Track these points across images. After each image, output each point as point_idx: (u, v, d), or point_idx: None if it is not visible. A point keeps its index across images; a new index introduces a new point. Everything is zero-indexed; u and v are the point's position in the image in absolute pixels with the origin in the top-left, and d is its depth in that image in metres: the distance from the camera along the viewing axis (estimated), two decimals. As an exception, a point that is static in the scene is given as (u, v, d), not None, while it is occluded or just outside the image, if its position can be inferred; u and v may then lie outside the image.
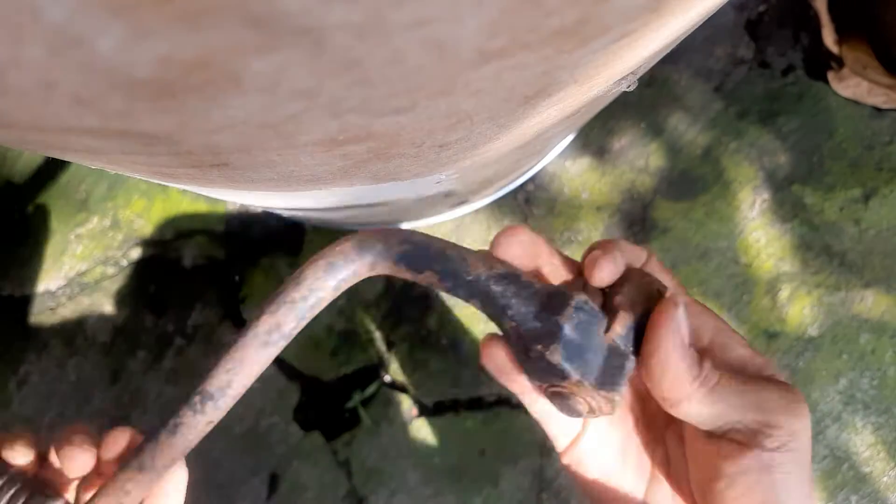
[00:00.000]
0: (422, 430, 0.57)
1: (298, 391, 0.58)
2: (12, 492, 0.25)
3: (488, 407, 0.57)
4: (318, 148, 0.19)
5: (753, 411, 0.22)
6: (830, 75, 0.60)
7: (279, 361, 0.57)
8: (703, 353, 0.24)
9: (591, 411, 0.23)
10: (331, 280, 0.23)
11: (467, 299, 0.23)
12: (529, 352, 0.23)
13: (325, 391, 0.58)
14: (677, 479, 0.26)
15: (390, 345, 0.58)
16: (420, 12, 0.11)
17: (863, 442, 0.56)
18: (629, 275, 0.25)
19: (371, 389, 0.57)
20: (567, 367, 0.22)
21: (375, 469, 0.57)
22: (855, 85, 0.59)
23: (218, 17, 0.10)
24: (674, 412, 0.23)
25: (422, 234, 0.24)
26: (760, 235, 0.59)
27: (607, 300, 0.24)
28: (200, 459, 0.57)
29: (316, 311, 0.24)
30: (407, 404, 0.57)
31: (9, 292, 0.59)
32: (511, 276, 0.23)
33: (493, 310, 0.23)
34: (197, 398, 0.25)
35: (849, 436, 0.56)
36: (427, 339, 0.58)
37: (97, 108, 0.13)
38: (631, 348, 0.23)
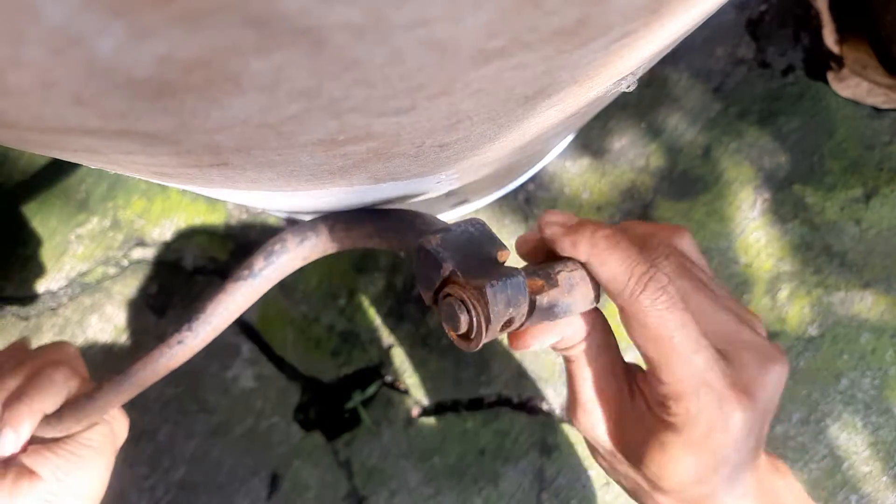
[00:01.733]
0: (422, 430, 0.57)
1: (299, 391, 0.58)
2: None
3: (488, 407, 0.57)
4: (318, 148, 0.19)
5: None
6: (830, 75, 0.60)
7: (279, 361, 0.57)
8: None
9: (468, 312, 0.22)
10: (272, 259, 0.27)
11: (391, 238, 0.25)
12: (419, 251, 0.23)
13: (325, 391, 0.58)
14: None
15: (390, 345, 0.58)
16: (420, 12, 0.11)
17: (863, 442, 0.56)
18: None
19: (371, 389, 0.57)
20: (440, 252, 0.22)
21: (376, 469, 0.57)
22: (855, 85, 0.59)
23: (218, 17, 0.10)
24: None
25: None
26: (760, 235, 0.59)
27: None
28: (200, 459, 0.57)
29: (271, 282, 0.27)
30: (407, 404, 0.57)
31: (9, 293, 0.59)
32: (429, 216, 0.25)
33: (399, 232, 0.24)
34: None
35: (849, 436, 0.56)
36: (427, 339, 0.58)
37: (97, 108, 0.13)
38: (563, 306, 0.23)
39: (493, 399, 0.57)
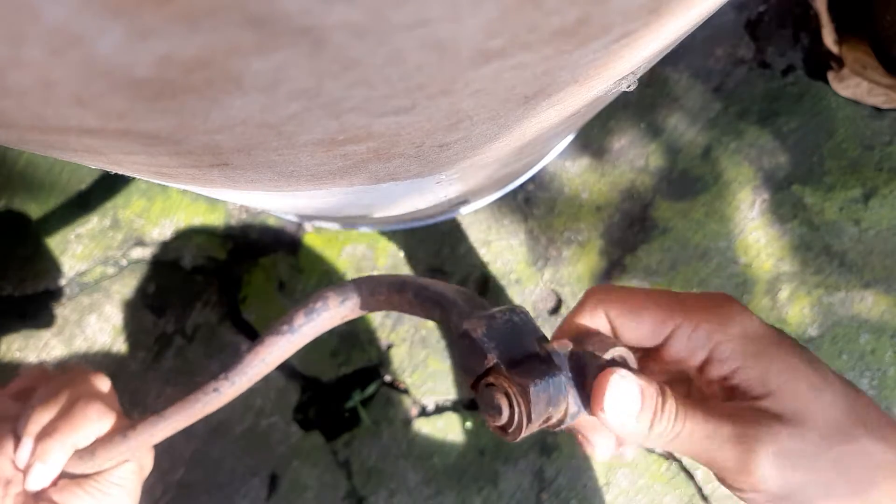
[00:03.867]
0: (422, 430, 0.57)
1: (298, 391, 0.58)
2: None
3: (488, 407, 0.57)
4: (318, 148, 0.19)
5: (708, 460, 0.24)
6: (830, 75, 0.60)
7: (279, 361, 0.57)
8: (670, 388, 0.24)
9: (510, 405, 0.22)
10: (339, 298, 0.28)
11: (432, 311, 0.25)
12: (462, 335, 0.23)
13: (324, 391, 0.58)
14: None
15: (390, 345, 0.58)
16: (420, 12, 0.11)
17: (863, 442, 0.56)
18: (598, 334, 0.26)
19: (371, 389, 0.57)
20: (486, 342, 0.22)
21: (375, 469, 0.57)
22: (855, 85, 0.59)
23: (218, 17, 0.10)
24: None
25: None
26: (760, 235, 0.59)
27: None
28: (200, 459, 0.57)
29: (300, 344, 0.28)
30: (407, 404, 0.57)
31: (9, 292, 0.59)
32: (469, 294, 0.25)
33: (444, 313, 0.25)
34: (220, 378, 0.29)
35: (849, 436, 0.56)
36: (427, 339, 0.58)
37: (97, 108, 0.13)
38: (570, 375, 0.23)
39: (492, 399, 0.57)
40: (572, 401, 0.23)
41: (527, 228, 0.59)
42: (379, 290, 0.27)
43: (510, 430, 0.23)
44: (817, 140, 0.60)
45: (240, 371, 0.28)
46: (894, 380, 0.57)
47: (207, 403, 0.29)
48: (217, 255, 0.60)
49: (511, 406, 0.22)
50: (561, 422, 0.23)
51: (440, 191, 0.37)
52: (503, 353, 0.23)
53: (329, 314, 0.27)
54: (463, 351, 0.24)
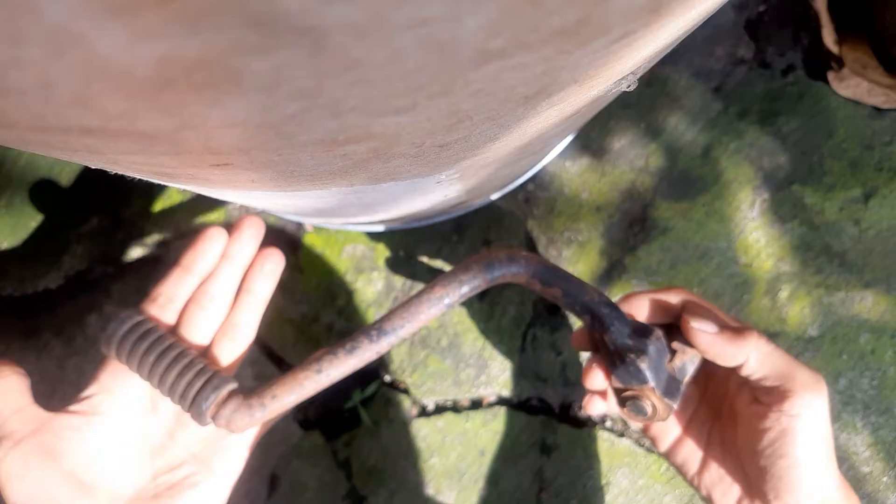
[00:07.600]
0: (422, 430, 0.57)
1: (298, 391, 0.58)
2: (196, 370, 0.34)
3: (488, 407, 0.57)
4: (318, 148, 0.19)
5: (785, 378, 0.32)
6: (830, 75, 0.60)
7: (278, 361, 0.57)
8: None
9: (652, 415, 0.33)
10: (488, 274, 0.32)
11: (580, 315, 0.32)
12: (625, 359, 0.32)
13: (324, 391, 0.58)
14: (727, 449, 0.36)
15: (390, 345, 0.58)
16: (420, 12, 0.11)
17: (863, 442, 0.56)
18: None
19: (371, 389, 0.57)
20: (649, 374, 0.32)
21: (375, 469, 0.57)
22: (855, 85, 0.59)
23: (218, 17, 0.10)
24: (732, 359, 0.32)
25: (550, 262, 0.34)
26: (760, 235, 0.59)
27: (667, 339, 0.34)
28: (200, 459, 0.57)
29: (472, 294, 0.32)
30: (407, 404, 0.57)
31: (9, 292, 0.59)
32: (612, 305, 0.32)
33: (600, 326, 0.32)
34: (374, 331, 0.32)
35: (849, 436, 0.56)
36: (427, 339, 0.58)
37: (97, 108, 0.13)
38: (683, 378, 0.34)
39: (493, 399, 0.57)
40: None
41: (527, 228, 0.59)
42: (533, 281, 0.32)
43: (651, 420, 0.34)
44: (817, 140, 0.60)
45: (395, 325, 0.32)
46: (894, 380, 0.57)
47: (369, 354, 0.32)
48: (217, 255, 0.60)
49: (654, 410, 0.33)
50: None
51: (440, 191, 0.37)
52: (658, 381, 0.32)
53: (510, 272, 0.32)
54: (621, 366, 0.32)
